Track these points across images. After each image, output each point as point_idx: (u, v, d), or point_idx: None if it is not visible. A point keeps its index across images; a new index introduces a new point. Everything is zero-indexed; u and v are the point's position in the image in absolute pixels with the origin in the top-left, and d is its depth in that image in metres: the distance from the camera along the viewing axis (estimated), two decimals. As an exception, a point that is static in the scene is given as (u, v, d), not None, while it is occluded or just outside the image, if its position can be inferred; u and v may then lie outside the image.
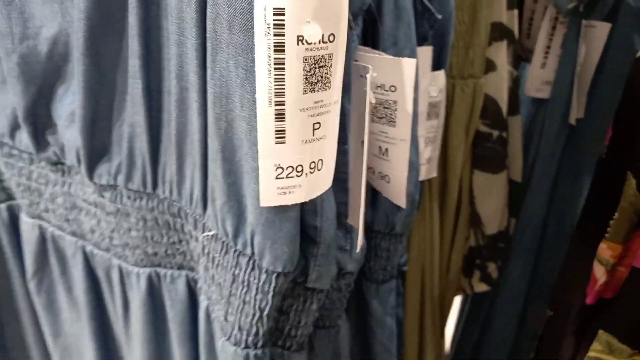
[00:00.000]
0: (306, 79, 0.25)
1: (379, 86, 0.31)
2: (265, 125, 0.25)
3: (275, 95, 0.24)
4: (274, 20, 0.23)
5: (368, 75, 0.26)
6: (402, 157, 0.32)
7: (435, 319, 0.70)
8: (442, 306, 0.73)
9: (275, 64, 0.24)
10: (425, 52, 0.42)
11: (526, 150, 0.64)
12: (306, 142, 0.26)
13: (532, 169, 0.63)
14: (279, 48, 0.23)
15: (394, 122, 0.31)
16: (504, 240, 0.65)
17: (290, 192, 0.27)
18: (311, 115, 0.26)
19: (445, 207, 0.60)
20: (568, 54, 0.54)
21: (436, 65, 0.45)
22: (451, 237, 0.64)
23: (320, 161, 0.27)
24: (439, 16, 0.41)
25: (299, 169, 0.26)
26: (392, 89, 0.30)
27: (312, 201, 0.31)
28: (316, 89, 0.25)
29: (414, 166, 0.38)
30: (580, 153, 0.57)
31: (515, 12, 0.56)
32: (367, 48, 0.32)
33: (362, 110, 0.29)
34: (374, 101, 0.28)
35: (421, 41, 0.42)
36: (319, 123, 0.26)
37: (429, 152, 0.47)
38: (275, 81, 0.24)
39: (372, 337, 0.49)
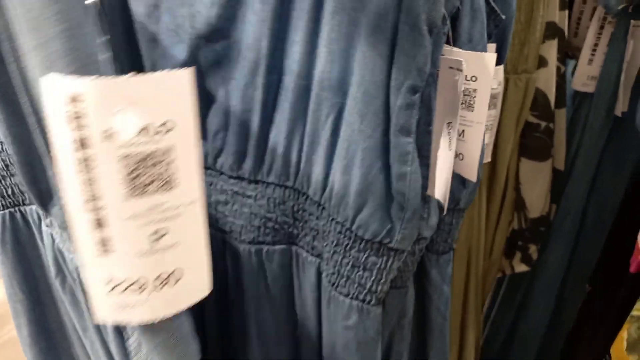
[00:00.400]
0: (130, 181, 0.20)
1: (461, 77, 0.36)
2: (83, 233, 0.21)
3: (89, 200, 0.20)
4: (72, 109, 0.19)
5: (464, 68, 0.31)
6: (477, 138, 0.37)
7: (478, 297, 0.75)
8: (484, 286, 0.78)
9: (82, 163, 0.19)
10: (490, 49, 0.46)
11: (569, 141, 0.68)
12: (144, 254, 0.22)
13: (575, 158, 0.67)
14: (84, 144, 0.19)
15: (472, 107, 0.36)
16: (545, 224, 0.69)
17: (131, 309, 0.23)
18: (146, 224, 0.21)
19: (493, 191, 0.65)
20: (615, 51, 0.58)
21: (497, 61, 0.50)
22: (496, 219, 0.68)
23: (176, 272, 0.23)
24: (504, 17, 0.45)
25: (141, 282, 0.22)
26: (474, 79, 0.35)
27: (402, 174, 0.36)
28: (149, 192, 0.21)
29: (482, 148, 0.43)
30: (623, 145, 0.61)
31: (566, 12, 0.59)
32: (449, 46, 0.37)
33: (449, 97, 0.34)
34: (462, 89, 0.33)
35: (486, 39, 0.47)
36: (162, 230, 0.22)
37: (486, 139, 0.52)
38: (86, 184, 0.20)
39: (429, 303, 0.54)
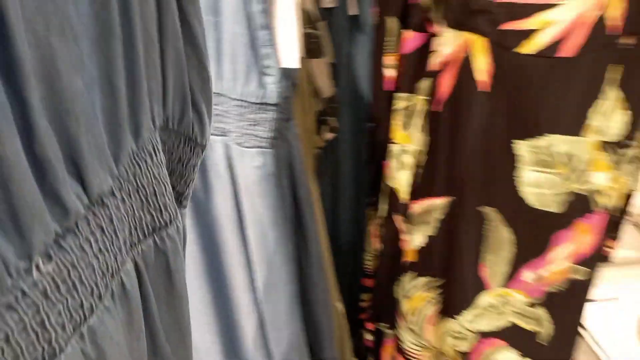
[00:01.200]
0: None
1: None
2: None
3: None
4: None
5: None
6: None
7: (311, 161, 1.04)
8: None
9: None
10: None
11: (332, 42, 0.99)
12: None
13: (337, 51, 0.98)
14: None
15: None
16: (335, 101, 1.01)
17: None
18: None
19: (299, 85, 0.92)
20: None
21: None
22: (307, 106, 0.97)
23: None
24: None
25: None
26: (287, -9, 0.59)
27: (267, 53, 0.59)
28: None
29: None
30: (362, 36, 0.95)
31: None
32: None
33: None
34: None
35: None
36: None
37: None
38: None
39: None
